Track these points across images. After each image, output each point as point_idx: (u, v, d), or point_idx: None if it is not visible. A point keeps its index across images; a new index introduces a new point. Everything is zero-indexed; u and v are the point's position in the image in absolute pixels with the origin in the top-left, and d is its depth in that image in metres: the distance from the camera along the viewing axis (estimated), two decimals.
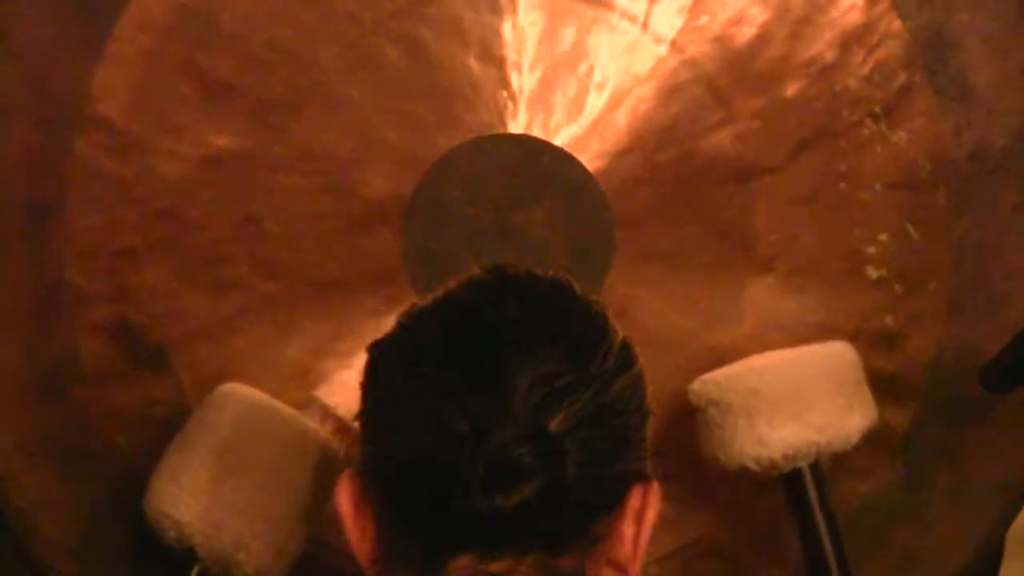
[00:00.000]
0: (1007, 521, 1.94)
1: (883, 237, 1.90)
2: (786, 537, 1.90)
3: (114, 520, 1.90)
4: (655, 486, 1.26)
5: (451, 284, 1.27)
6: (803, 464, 1.79)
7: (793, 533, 1.85)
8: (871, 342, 1.90)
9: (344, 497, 1.26)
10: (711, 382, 1.81)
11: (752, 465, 1.78)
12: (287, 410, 1.82)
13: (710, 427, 1.80)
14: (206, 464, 1.75)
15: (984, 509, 1.94)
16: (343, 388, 1.85)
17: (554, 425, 1.18)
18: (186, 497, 1.74)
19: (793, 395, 1.78)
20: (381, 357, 1.28)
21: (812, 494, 1.81)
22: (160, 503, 1.75)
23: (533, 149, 1.86)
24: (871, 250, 1.90)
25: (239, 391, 1.81)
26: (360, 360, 1.81)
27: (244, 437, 1.76)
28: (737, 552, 1.93)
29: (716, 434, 1.79)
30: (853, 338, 1.89)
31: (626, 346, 1.25)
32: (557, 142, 1.86)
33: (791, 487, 1.81)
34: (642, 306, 1.88)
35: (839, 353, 1.84)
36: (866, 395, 1.83)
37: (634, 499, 1.24)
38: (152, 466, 1.82)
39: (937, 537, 1.95)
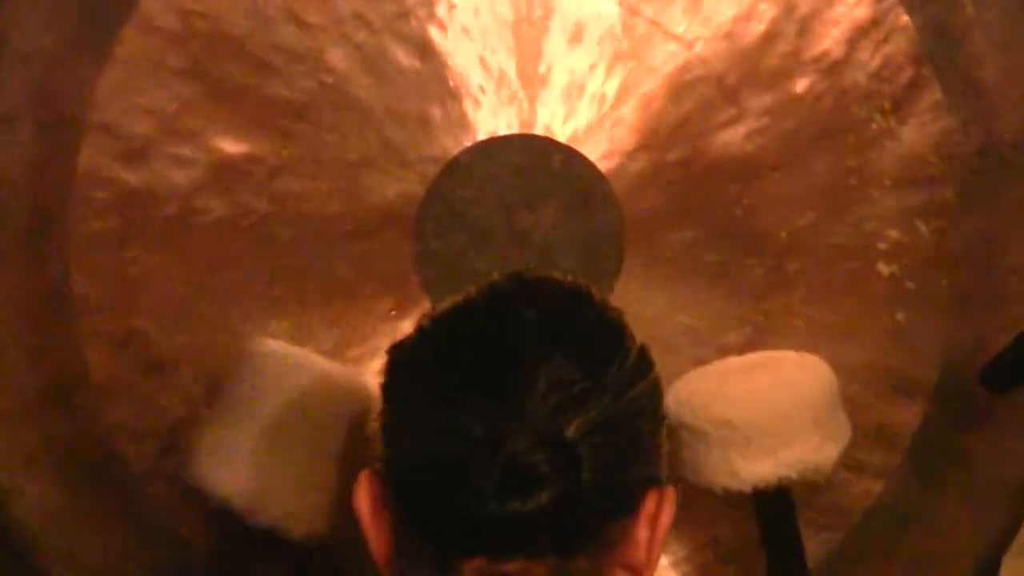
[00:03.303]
0: (1018, 519, 1.94)
1: (893, 233, 1.90)
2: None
3: (120, 530, 1.88)
4: (670, 490, 1.27)
5: (471, 289, 1.28)
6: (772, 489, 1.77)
7: (805, 533, 1.86)
8: (881, 339, 1.91)
9: (363, 497, 1.27)
10: (685, 404, 1.76)
11: (720, 492, 1.76)
12: (318, 364, 1.79)
13: (681, 447, 1.76)
14: (244, 434, 1.72)
15: (995, 507, 1.95)
16: None
17: (570, 432, 1.18)
18: (226, 471, 1.72)
19: (769, 431, 1.75)
20: (400, 360, 1.29)
21: (779, 515, 1.80)
22: (202, 479, 1.73)
23: (542, 149, 1.85)
24: (882, 246, 1.90)
25: (267, 348, 1.78)
26: (373, 364, 1.83)
27: (278, 401, 1.73)
28: (749, 555, 1.93)
29: (686, 456, 1.76)
30: (863, 336, 1.90)
31: (643, 353, 1.26)
32: (566, 142, 1.86)
33: (760, 504, 1.80)
34: (651, 306, 1.88)
35: (817, 377, 1.81)
36: (841, 419, 1.81)
37: (649, 503, 1.25)
38: (158, 478, 1.83)
39: (948, 537, 1.95)
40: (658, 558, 1.27)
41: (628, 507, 1.24)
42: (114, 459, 1.86)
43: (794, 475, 1.75)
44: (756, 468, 1.74)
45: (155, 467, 1.87)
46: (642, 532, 1.25)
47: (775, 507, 1.79)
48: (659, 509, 1.26)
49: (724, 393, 1.78)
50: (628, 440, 1.23)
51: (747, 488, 1.75)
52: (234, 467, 1.71)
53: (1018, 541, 1.95)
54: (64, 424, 1.86)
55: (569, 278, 1.30)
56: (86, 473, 1.87)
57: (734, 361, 1.85)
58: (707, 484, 1.76)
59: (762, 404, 1.76)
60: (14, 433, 1.86)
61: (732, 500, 1.78)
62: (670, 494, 1.27)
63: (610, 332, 1.26)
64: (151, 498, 1.87)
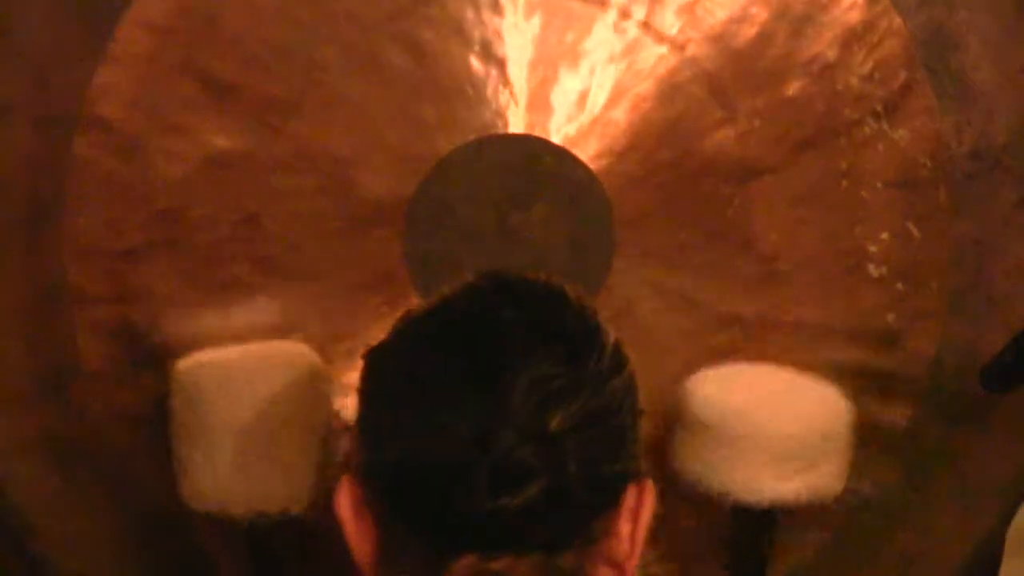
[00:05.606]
0: (1007, 521, 1.94)
1: (884, 235, 1.90)
2: (786, 536, 1.90)
3: (113, 517, 1.91)
4: (650, 484, 1.29)
5: (446, 290, 1.30)
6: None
7: (792, 532, 1.87)
8: (872, 341, 1.91)
9: (344, 502, 1.27)
10: (712, 406, 1.75)
11: (726, 501, 1.75)
12: (252, 356, 1.80)
13: (695, 446, 1.76)
14: (211, 446, 1.75)
15: (984, 509, 1.95)
16: (344, 389, 1.85)
17: (553, 426, 1.20)
18: (210, 487, 1.75)
19: (800, 452, 1.74)
20: (379, 363, 1.30)
21: (761, 530, 1.81)
22: (194, 501, 1.77)
23: (534, 149, 1.85)
24: (872, 248, 1.90)
25: (195, 364, 1.80)
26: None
27: (232, 403, 1.75)
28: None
29: (702, 455, 1.75)
30: (853, 337, 1.90)
31: (618, 347, 1.28)
32: (558, 142, 1.86)
33: (744, 516, 1.80)
34: (642, 306, 1.88)
35: (843, 412, 1.80)
36: (847, 460, 1.80)
37: (630, 498, 1.27)
38: (150, 465, 1.85)
39: (937, 538, 1.96)
40: (640, 552, 1.28)
41: (611, 501, 1.26)
42: (108, 447, 1.88)
43: (812, 499, 1.76)
44: (781, 487, 1.74)
45: (148, 456, 1.88)
46: (624, 526, 1.27)
47: (760, 522, 1.79)
48: (640, 503, 1.27)
49: (766, 403, 1.76)
50: (609, 434, 1.24)
51: (764, 504, 1.74)
52: (219, 485, 1.75)
53: (1018, 540, 1.95)
54: (60, 413, 1.88)
55: (543, 277, 1.31)
56: (81, 461, 1.89)
57: (765, 369, 1.83)
58: (718, 489, 1.75)
59: (800, 423, 1.75)
60: (11, 421, 1.88)
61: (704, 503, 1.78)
62: (649, 488, 1.29)
63: (587, 328, 1.27)
64: (144, 484, 1.89)
